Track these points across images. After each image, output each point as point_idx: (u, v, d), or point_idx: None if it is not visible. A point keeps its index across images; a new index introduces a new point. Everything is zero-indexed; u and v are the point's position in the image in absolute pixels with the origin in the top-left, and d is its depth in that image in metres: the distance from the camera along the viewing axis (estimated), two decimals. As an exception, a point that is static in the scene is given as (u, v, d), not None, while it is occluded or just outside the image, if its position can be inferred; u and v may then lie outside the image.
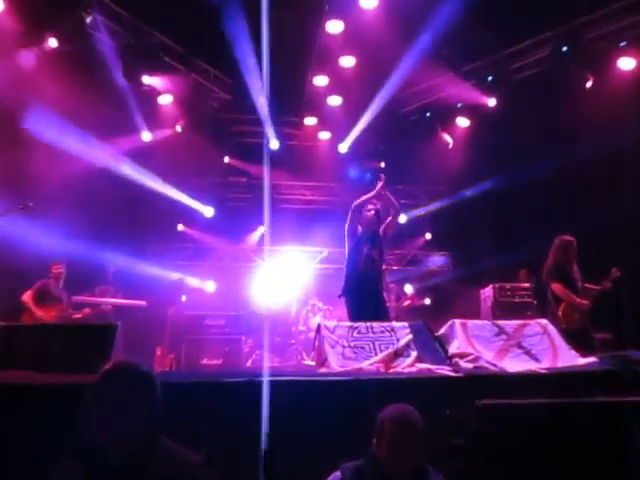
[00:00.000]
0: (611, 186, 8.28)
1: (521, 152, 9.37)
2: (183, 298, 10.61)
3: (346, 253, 5.93)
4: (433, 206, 12.32)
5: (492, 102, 10.11)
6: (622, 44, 8.73)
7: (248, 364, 8.46)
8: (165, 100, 10.23)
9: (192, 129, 10.62)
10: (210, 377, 3.61)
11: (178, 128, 10.64)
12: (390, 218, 5.97)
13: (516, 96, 9.58)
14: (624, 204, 8.09)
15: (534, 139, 9.11)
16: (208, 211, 11.57)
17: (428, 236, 12.87)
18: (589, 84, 8.99)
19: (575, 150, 8.30)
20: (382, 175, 5.87)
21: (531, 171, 8.96)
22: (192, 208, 11.27)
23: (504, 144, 9.77)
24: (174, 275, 10.51)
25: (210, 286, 11.22)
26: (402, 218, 11.73)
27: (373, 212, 5.83)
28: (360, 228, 5.86)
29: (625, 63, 8.67)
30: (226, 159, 11.90)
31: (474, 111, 10.72)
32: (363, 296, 5.58)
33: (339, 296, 5.75)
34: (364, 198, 5.85)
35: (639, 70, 8.60)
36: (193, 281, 11.08)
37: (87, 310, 7.56)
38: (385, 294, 6.08)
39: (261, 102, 9.75)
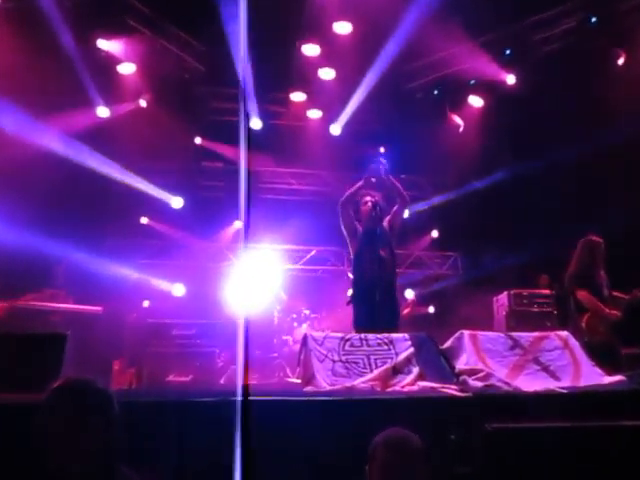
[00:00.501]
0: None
1: (543, 137, 9.45)
2: (146, 303, 10.58)
3: (351, 256, 6.05)
4: (440, 199, 12.39)
5: (511, 79, 10.14)
6: (659, 16, 8.80)
7: (222, 381, 8.45)
8: (126, 69, 10.17)
9: (158, 105, 10.58)
10: (178, 396, 3.62)
11: (142, 103, 10.59)
12: (396, 207, 6.03)
13: (538, 73, 9.64)
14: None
15: (557, 122, 9.18)
16: (176, 202, 11.55)
17: (434, 234, 12.93)
18: (621, 61, 9.07)
19: (604, 136, 8.37)
20: (383, 159, 5.94)
21: (554, 159, 9.03)
22: (158, 198, 11.24)
23: (523, 128, 9.83)
24: (135, 276, 10.48)
25: (178, 289, 11.21)
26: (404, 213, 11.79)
27: (370, 205, 5.87)
28: (359, 226, 5.92)
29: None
30: (198, 140, 11.89)
31: (490, 89, 10.77)
32: (373, 304, 5.63)
33: (347, 303, 5.88)
34: (352, 190, 5.94)
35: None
36: (158, 283, 11.06)
37: (2, 305, 7.40)
38: None
39: (241, 74, 9.73)
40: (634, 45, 8.99)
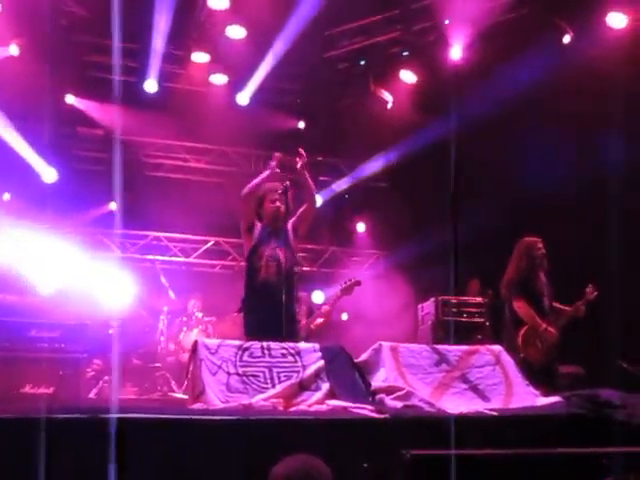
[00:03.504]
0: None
1: (481, 115, 9.61)
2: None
3: (245, 255, 6.07)
4: (364, 185, 12.59)
5: (456, 53, 10.18)
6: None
7: (92, 395, 8.28)
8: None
9: (29, 54, 10.19)
10: (35, 412, 3.48)
11: (13, 50, 10.17)
12: (304, 207, 6.04)
13: (480, 48, 9.81)
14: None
15: (496, 103, 9.36)
16: (49, 174, 11.15)
17: (361, 227, 13.10)
18: (567, 39, 9.39)
19: (544, 121, 8.75)
20: (301, 150, 5.93)
21: (492, 136, 9.29)
22: (27, 167, 10.83)
23: (460, 108, 9.98)
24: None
25: (45, 283, 10.77)
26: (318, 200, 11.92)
27: (277, 204, 5.88)
28: (259, 224, 5.91)
29: (615, 19, 8.94)
30: (70, 99, 11.49)
31: (424, 63, 10.89)
32: (265, 312, 5.66)
33: (238, 311, 5.91)
34: (256, 182, 5.93)
35: (631, 31, 8.85)
36: (18, 271, 10.60)
37: None
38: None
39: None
40: (583, 23, 9.28)
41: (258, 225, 5.95)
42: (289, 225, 6.00)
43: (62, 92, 11.22)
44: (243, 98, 11.64)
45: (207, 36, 11.01)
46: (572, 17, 9.38)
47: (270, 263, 5.76)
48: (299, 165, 5.89)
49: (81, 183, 11.35)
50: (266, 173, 5.94)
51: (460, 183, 9.40)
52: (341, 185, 12.79)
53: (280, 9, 9.82)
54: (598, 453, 3.08)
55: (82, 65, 11.32)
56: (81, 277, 10.57)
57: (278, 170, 5.92)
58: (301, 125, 12.50)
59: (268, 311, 5.62)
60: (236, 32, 10.66)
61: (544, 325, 6.54)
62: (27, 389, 7.02)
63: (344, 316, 11.61)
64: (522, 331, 6.56)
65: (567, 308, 6.79)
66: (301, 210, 6.05)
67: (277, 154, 5.97)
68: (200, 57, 11.39)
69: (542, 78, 8.84)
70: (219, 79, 11.80)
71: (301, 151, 5.92)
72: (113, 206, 11.71)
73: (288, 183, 5.89)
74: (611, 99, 7.72)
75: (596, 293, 6.76)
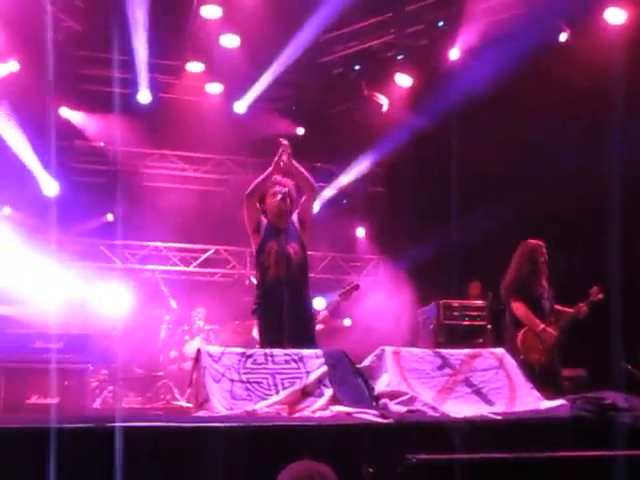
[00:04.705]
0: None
1: (477, 115, 9.62)
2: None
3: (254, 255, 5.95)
4: (364, 191, 12.58)
5: (454, 54, 10.16)
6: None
7: (96, 405, 8.28)
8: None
9: (27, 70, 10.22)
10: (41, 422, 3.49)
11: (13, 66, 10.20)
12: (304, 198, 5.94)
13: (477, 48, 9.80)
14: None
15: (492, 103, 9.36)
16: (51, 187, 11.15)
17: (360, 232, 13.09)
18: (563, 37, 9.40)
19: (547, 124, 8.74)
20: (283, 141, 5.82)
21: (493, 138, 9.31)
22: (26, 180, 10.84)
23: (460, 111, 9.99)
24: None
25: (47, 294, 10.76)
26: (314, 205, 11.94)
27: (280, 197, 5.78)
28: (264, 221, 5.84)
29: (613, 15, 8.97)
30: (65, 112, 11.50)
31: (419, 66, 10.89)
32: (279, 311, 5.45)
33: (252, 312, 5.81)
34: (260, 179, 5.82)
35: (631, 26, 8.85)
36: (20, 283, 10.60)
37: None
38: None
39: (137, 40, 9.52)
40: (581, 20, 9.27)
41: (264, 222, 5.80)
42: (295, 217, 5.88)
43: (59, 106, 11.25)
44: (240, 106, 11.68)
45: (201, 46, 11.06)
46: (569, 15, 9.37)
47: (280, 259, 5.56)
48: (284, 156, 5.71)
49: (80, 195, 11.37)
50: (269, 170, 5.77)
51: (461, 185, 9.40)
52: (338, 191, 12.77)
53: (273, 17, 9.85)
54: (603, 456, 3.08)
55: (78, 78, 11.35)
56: (83, 288, 10.57)
57: (284, 161, 5.70)
58: (300, 131, 12.51)
59: (282, 309, 5.41)
60: (230, 41, 10.71)
61: (542, 326, 6.48)
62: (33, 400, 7.01)
63: (347, 322, 11.60)
64: (521, 333, 6.54)
65: (569, 309, 6.76)
66: (303, 200, 5.89)
67: (284, 142, 5.79)
68: (195, 67, 11.47)
69: (542, 79, 8.85)
70: (214, 88, 11.87)
71: (282, 141, 5.76)
72: (110, 217, 11.74)
73: (288, 188, 5.83)
74: (611, 101, 7.69)
75: (601, 295, 6.69)
